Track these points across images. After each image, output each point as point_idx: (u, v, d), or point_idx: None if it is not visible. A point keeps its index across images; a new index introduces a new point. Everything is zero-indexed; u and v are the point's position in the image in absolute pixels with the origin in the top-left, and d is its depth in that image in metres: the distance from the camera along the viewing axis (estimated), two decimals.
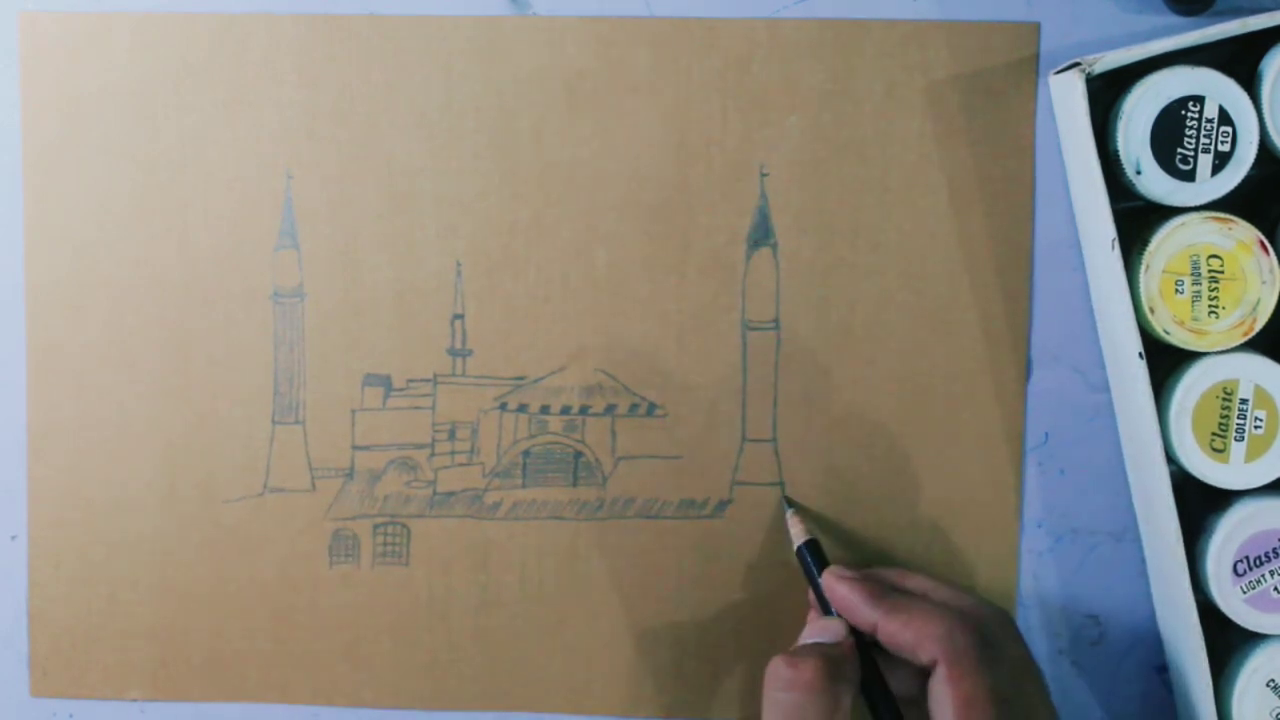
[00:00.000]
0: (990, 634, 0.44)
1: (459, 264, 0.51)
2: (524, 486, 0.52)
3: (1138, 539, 0.51)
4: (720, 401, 0.51)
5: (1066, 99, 0.48)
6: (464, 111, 0.51)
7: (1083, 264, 0.51)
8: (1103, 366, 0.51)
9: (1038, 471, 0.51)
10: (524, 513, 0.52)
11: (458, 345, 0.51)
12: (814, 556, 0.48)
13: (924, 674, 0.43)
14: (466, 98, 0.51)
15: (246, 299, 0.52)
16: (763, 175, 0.51)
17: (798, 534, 0.49)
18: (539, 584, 0.52)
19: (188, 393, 0.52)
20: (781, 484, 0.51)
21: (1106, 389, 0.51)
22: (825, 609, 0.47)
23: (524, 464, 0.52)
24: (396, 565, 0.52)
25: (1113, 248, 0.46)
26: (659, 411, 0.51)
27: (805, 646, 0.45)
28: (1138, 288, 0.47)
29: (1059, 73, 0.48)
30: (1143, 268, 0.46)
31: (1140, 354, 0.46)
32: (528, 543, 0.52)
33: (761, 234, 0.51)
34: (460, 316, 0.51)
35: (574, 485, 0.52)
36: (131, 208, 0.52)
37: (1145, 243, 0.47)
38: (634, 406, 0.51)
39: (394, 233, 0.51)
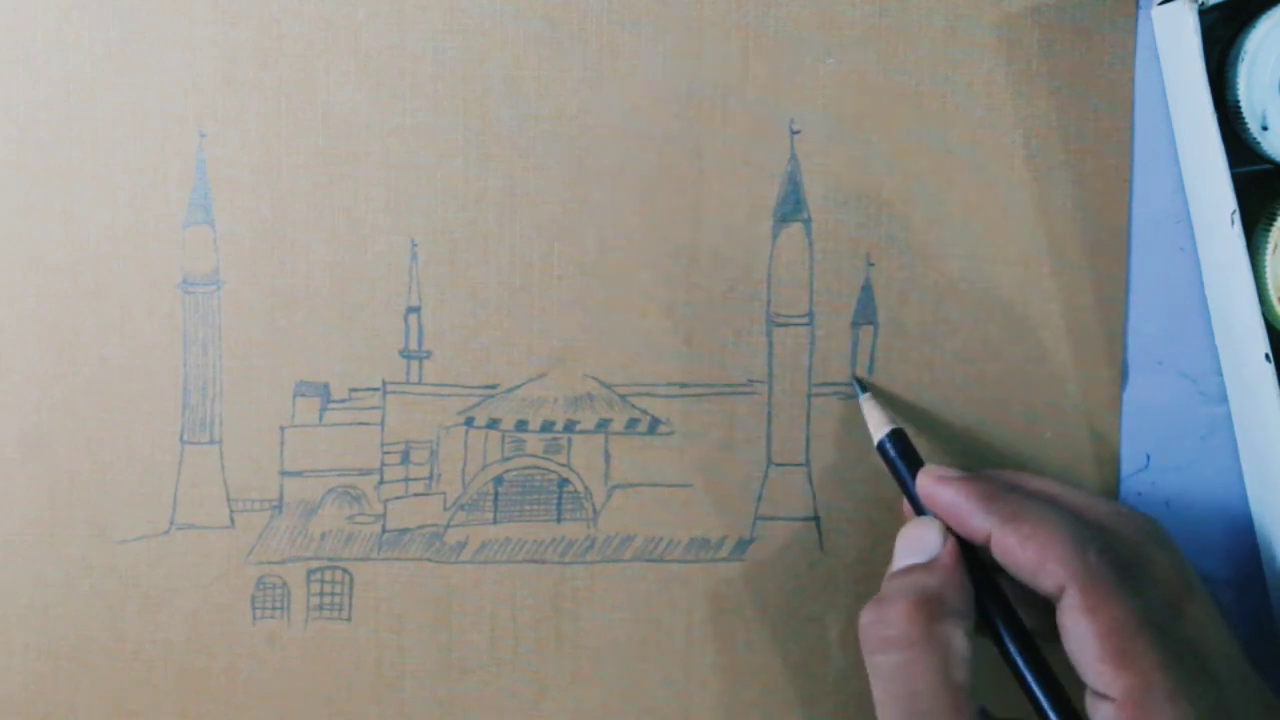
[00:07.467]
0: (1134, 550, 0.41)
1: (414, 244, 0.49)
2: (495, 522, 0.49)
3: (1262, 587, 0.48)
4: (739, 417, 0.49)
5: (1174, 36, 0.46)
6: (420, 54, 0.48)
7: (1193, 243, 0.48)
8: (1219, 371, 0.49)
9: (1138, 503, 0.48)
10: (496, 555, 0.49)
11: (413, 346, 0.49)
12: (900, 451, 0.45)
13: (1052, 605, 0.40)
14: (423, 36, 0.48)
15: (148, 288, 0.49)
16: (793, 133, 0.48)
17: (877, 424, 0.46)
18: (514, 644, 0.50)
19: (75, 405, 0.49)
20: (854, 377, 0.48)
21: (1224, 399, 0.49)
22: (919, 513, 0.44)
23: (495, 494, 0.49)
24: (336, 620, 0.50)
25: (1232, 223, 0.44)
26: (663, 428, 0.49)
27: (893, 580, 0.41)
28: (1264, 272, 0.45)
29: (1164, 2, 0.46)
30: (1270, 247, 0.45)
31: (1267, 355, 0.44)
32: (500, 593, 0.49)
33: (791, 207, 0.48)
34: (416, 310, 0.49)
35: (558, 521, 0.49)
36: (3, 174, 0.49)
37: (1273, 216, 0.45)
38: (632, 422, 0.49)
39: (332, 206, 0.49)
